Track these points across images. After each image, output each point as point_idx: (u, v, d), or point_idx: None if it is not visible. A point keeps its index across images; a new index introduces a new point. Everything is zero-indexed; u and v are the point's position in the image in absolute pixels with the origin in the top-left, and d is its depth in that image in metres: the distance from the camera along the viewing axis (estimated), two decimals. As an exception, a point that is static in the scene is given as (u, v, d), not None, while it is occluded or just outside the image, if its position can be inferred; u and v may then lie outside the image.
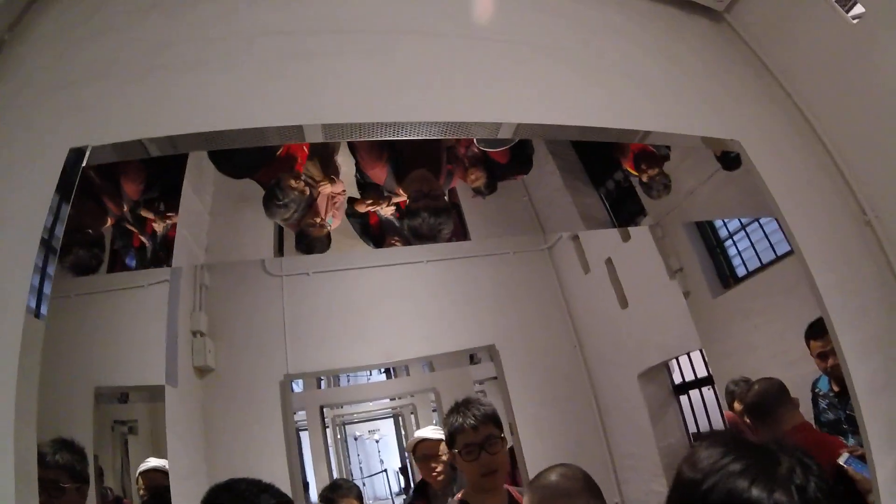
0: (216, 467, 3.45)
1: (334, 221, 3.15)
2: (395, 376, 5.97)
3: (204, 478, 3.44)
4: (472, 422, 1.93)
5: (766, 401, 2.83)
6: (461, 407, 1.99)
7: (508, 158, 3.58)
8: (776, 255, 3.65)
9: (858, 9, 2.52)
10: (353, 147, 2.86)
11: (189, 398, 3.50)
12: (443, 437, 2.95)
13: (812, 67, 2.75)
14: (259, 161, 2.55)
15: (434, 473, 2.91)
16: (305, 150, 2.88)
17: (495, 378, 5.96)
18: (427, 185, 2.66)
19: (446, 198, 2.82)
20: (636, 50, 2.74)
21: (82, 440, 3.15)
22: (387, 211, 3.08)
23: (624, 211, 3.76)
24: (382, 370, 7.77)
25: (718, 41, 3.05)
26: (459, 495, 1.91)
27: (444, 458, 2.91)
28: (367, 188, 3.01)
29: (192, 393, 3.58)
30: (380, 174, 2.87)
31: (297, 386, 4.61)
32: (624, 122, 2.36)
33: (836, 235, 2.63)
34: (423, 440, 3.08)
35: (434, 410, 6.60)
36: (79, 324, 3.46)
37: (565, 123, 2.24)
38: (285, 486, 3.61)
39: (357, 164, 2.96)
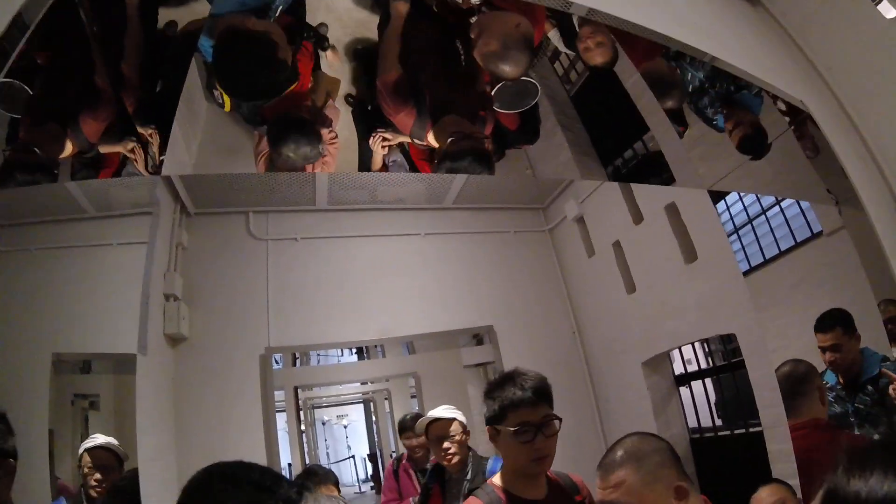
0: (187, 448, 3.14)
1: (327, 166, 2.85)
2: (369, 357, 5.71)
3: (173, 459, 3.12)
4: (531, 396, 1.67)
5: (786, 386, 2.66)
6: (516, 377, 1.71)
7: (517, 126, 3.32)
8: (779, 249, 3.50)
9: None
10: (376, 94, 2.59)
11: (159, 370, 3.17)
12: (455, 416, 2.72)
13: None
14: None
15: (447, 455, 2.68)
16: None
17: (485, 364, 5.74)
18: (468, 126, 2.40)
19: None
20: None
21: (36, 414, 2.82)
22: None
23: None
24: (354, 351, 7.47)
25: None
26: (497, 481, 1.65)
27: (458, 438, 2.67)
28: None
29: (163, 364, 3.25)
30: (406, 120, 2.59)
31: (277, 364, 4.31)
32: (695, 41, 2.19)
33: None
34: (436, 420, 3.01)
35: (413, 397, 6.34)
36: (39, 281, 3.10)
37: (638, 23, 2.05)
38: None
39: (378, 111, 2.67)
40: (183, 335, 3.33)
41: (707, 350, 4.02)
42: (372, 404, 8.92)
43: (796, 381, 2.70)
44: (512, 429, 1.64)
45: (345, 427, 7.40)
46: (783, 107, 3.29)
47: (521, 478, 1.67)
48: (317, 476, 2.59)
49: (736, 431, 3.68)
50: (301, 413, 6.84)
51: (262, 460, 3.21)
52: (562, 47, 3.22)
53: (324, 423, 9.35)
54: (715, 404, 4.01)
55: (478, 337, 6.34)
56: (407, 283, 3.90)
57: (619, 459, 1.31)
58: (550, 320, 4.20)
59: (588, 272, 4.11)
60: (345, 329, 3.66)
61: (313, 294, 3.67)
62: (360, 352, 7.38)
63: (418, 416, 3.56)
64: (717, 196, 3.41)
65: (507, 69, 2.34)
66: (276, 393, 4.87)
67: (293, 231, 3.78)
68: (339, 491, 2.53)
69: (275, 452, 3.28)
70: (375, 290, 3.80)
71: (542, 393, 1.66)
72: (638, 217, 3.66)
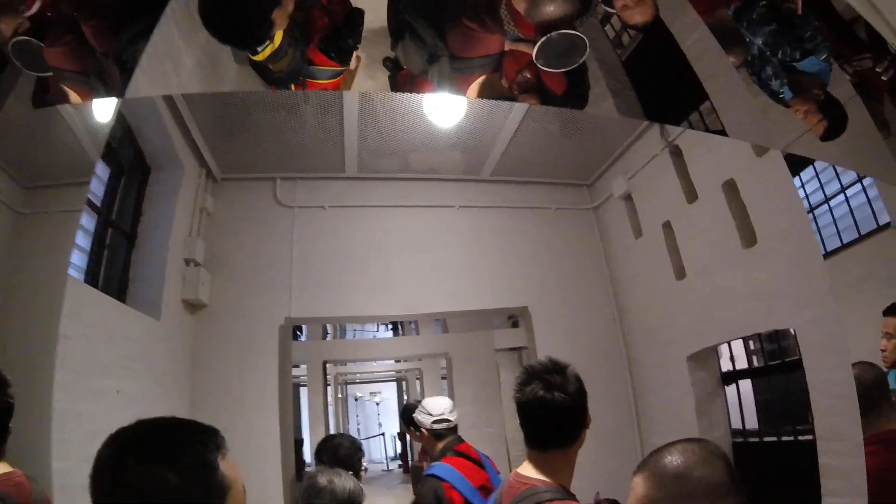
0: (201, 416, 3.03)
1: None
2: (403, 333, 5.54)
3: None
4: None
5: (864, 392, 2.32)
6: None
7: (564, 90, 3.03)
8: (841, 242, 3.11)
9: None
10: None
11: (175, 335, 3.06)
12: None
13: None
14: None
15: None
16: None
17: (519, 349, 5.50)
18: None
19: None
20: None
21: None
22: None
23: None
24: (389, 327, 7.35)
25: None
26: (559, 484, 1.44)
27: None
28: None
29: (180, 329, 3.14)
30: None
31: (302, 336, 4.20)
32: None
33: None
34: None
35: (444, 378, 6.17)
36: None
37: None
38: (274, 443, 3.21)
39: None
40: (202, 301, 3.22)
41: (749, 348, 3.69)
42: (404, 383, 8.86)
43: (866, 388, 2.34)
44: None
45: (377, 404, 7.30)
46: (852, 76, 2.89)
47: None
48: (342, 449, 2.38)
49: (783, 438, 3.35)
50: (329, 388, 6.79)
51: (275, 432, 3.10)
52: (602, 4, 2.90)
53: (356, 400, 9.31)
54: (757, 407, 3.70)
55: (513, 319, 6.10)
56: (438, 258, 3.68)
57: (660, 469, 1.06)
58: (590, 305, 3.92)
59: (634, 255, 3.81)
60: (371, 303, 3.48)
61: (339, 265, 3.50)
62: (394, 328, 7.27)
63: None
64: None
65: (551, 8, 2.06)
66: (302, 366, 4.80)
67: (321, 199, 3.62)
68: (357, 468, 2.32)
69: (288, 426, 3.14)
70: (405, 263, 3.60)
71: None
72: (692, 195, 3.33)
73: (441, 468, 2.54)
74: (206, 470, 0.88)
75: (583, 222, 4.15)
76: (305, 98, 3.13)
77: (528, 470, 1.47)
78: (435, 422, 2.78)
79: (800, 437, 3.17)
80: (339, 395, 8.74)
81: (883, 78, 2.82)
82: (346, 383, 8.77)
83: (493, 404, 5.10)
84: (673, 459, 1.06)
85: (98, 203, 2.87)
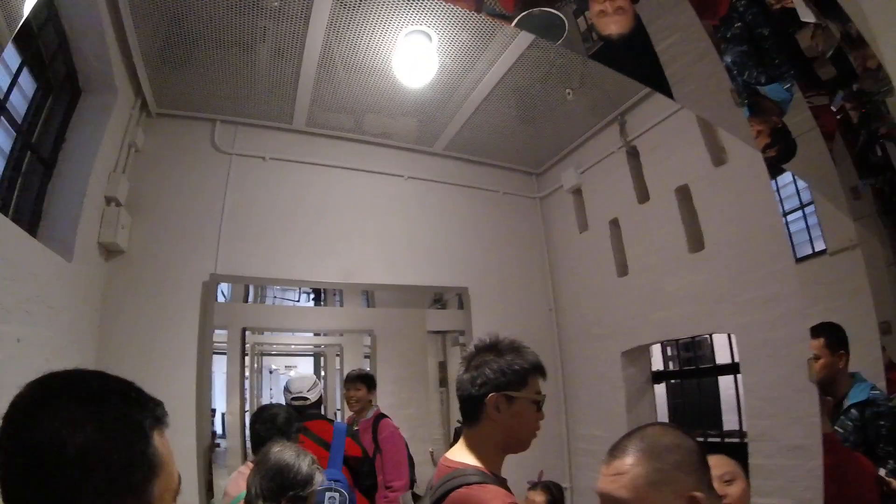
0: (108, 370, 2.71)
1: None
2: (325, 304, 5.33)
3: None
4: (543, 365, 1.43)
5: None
6: (522, 345, 1.43)
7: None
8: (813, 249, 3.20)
9: None
10: None
11: (86, 280, 2.72)
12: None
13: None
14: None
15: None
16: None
17: (446, 333, 5.39)
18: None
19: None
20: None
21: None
22: None
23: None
24: (312, 297, 7.05)
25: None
26: (472, 461, 1.33)
27: None
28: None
29: (93, 274, 2.80)
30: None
31: (223, 297, 3.90)
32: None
33: None
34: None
35: (367, 357, 5.98)
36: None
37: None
38: (189, 409, 2.94)
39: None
40: (120, 246, 2.88)
41: (667, 354, 3.79)
42: (322, 358, 8.60)
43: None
44: (532, 396, 1.33)
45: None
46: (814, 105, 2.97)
47: (501, 454, 1.39)
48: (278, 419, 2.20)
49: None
50: (246, 358, 6.44)
51: (190, 400, 2.84)
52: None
53: (271, 372, 8.95)
54: (669, 409, 3.82)
55: (441, 301, 6.00)
56: (380, 228, 3.51)
57: (631, 448, 1.01)
58: (529, 293, 3.89)
59: (577, 248, 3.80)
60: (303, 266, 3.26)
61: (274, 222, 3.25)
62: (316, 298, 6.99)
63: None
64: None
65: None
66: (220, 332, 4.50)
67: (262, 149, 3.34)
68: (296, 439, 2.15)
69: (205, 392, 2.89)
70: (344, 228, 3.40)
71: None
72: (644, 196, 3.34)
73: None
74: (134, 433, 0.73)
75: (529, 210, 4.10)
76: (263, 36, 2.85)
77: (455, 452, 1.39)
78: (293, 398, 2.81)
79: (709, 440, 3.29)
80: (255, 366, 8.36)
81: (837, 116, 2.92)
82: (262, 354, 8.41)
83: (416, 385, 5.00)
84: (641, 437, 1.02)
85: (19, 120, 2.47)
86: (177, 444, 2.17)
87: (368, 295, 5.43)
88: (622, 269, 3.45)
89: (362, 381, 3.06)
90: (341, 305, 5.82)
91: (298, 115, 3.32)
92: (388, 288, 3.58)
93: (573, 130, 3.70)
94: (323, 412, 3.03)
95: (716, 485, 1.53)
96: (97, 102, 2.85)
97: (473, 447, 1.35)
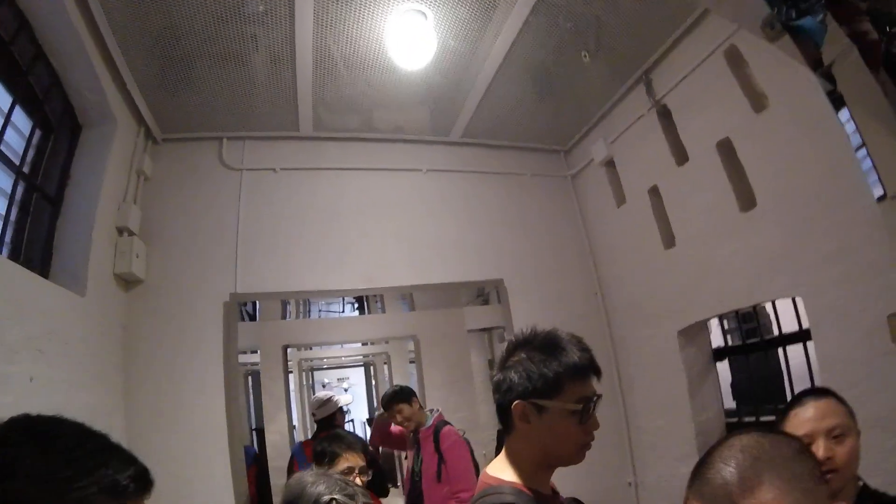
0: (138, 406, 2.65)
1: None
2: (369, 311, 5.21)
3: (121, 419, 2.63)
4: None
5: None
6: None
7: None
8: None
9: None
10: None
11: (102, 313, 2.65)
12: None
13: None
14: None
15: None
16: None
17: (491, 329, 5.18)
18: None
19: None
20: None
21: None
22: None
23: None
24: (356, 306, 7.01)
25: None
26: (511, 477, 1.12)
27: None
28: None
29: (109, 306, 2.73)
30: None
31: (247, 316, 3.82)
32: None
33: None
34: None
35: (412, 362, 5.84)
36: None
37: None
38: (221, 433, 2.84)
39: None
40: (137, 276, 2.81)
41: (724, 328, 3.47)
42: (372, 367, 8.53)
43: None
44: (568, 406, 1.11)
45: (345, 390, 7.00)
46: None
47: (543, 468, 1.16)
48: (344, 441, 2.10)
49: (762, 418, 3.13)
50: (293, 375, 6.40)
51: (220, 423, 2.73)
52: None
53: (324, 386, 9.00)
54: (732, 385, 3.49)
55: (484, 296, 5.78)
56: (404, 226, 3.34)
57: (756, 476, 0.69)
58: (570, 278, 3.63)
59: (617, 223, 3.52)
60: (323, 275, 3.11)
61: (290, 233, 3.13)
62: (360, 307, 6.92)
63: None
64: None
65: None
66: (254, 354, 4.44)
67: (272, 161, 3.22)
68: (366, 458, 2.04)
69: (236, 415, 2.77)
70: (366, 232, 3.25)
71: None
72: (682, 157, 3.05)
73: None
74: (110, 488, 0.68)
75: (560, 190, 3.85)
76: (255, 45, 2.73)
77: (494, 465, 1.19)
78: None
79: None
80: (304, 383, 8.38)
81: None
82: (312, 369, 8.41)
83: (463, 387, 4.81)
84: (772, 447, 0.72)
85: (17, 161, 2.43)
86: (211, 470, 2.07)
87: (408, 299, 5.30)
88: (668, 241, 3.16)
89: (399, 400, 2.92)
90: (383, 312, 5.71)
91: (304, 121, 3.18)
92: (416, 289, 3.39)
93: (596, 99, 3.43)
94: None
95: (821, 442, 1.23)
96: (98, 135, 2.81)
97: (511, 459, 1.16)
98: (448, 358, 4.74)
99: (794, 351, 3.03)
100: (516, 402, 1.11)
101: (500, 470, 1.15)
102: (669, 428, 3.14)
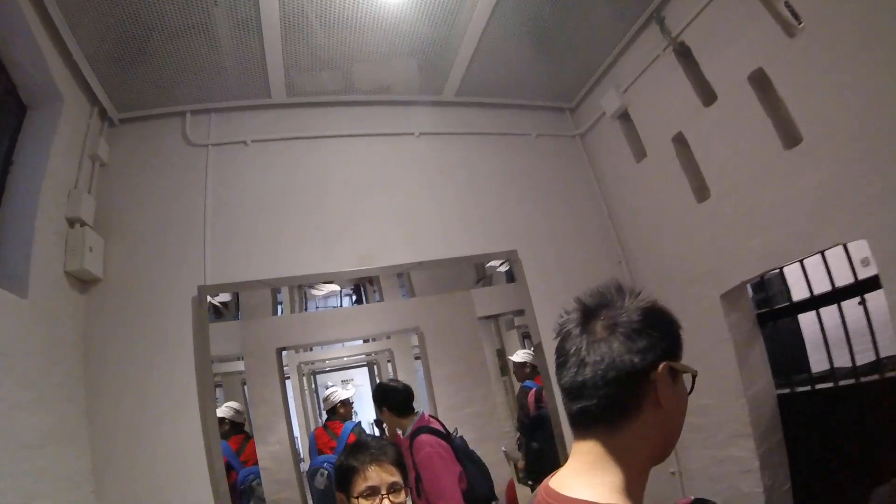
0: (104, 426, 2.25)
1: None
2: (366, 301, 4.82)
3: (83, 443, 2.23)
4: None
5: None
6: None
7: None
8: None
9: None
10: None
11: (54, 318, 2.25)
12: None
13: None
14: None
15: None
16: None
17: (500, 316, 4.77)
18: None
19: None
20: None
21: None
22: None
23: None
24: (354, 299, 6.59)
25: None
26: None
27: None
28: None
29: (62, 311, 2.33)
30: None
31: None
32: None
33: None
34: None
35: (417, 358, 5.43)
36: None
37: None
38: (196, 448, 2.43)
39: None
40: (91, 273, 2.41)
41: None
42: (376, 367, 8.13)
43: None
44: (689, 369, 0.87)
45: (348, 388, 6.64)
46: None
47: (647, 473, 0.83)
48: (364, 452, 1.67)
49: (797, 389, 2.76)
50: (289, 380, 5.98)
51: (195, 437, 2.33)
52: None
53: (327, 388, 8.60)
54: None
55: (486, 279, 5.35)
56: (398, 197, 2.93)
57: None
58: (590, 247, 3.24)
59: (638, 180, 3.12)
60: (315, 258, 2.71)
61: (270, 213, 2.72)
62: (358, 298, 6.46)
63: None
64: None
65: None
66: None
67: (241, 133, 2.82)
68: (401, 470, 1.61)
69: (212, 426, 2.37)
70: (356, 206, 2.84)
71: None
72: (708, 96, 2.66)
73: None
74: None
75: (569, 151, 3.45)
76: (214, 1, 2.34)
77: (571, 479, 0.82)
78: None
79: (797, 389, 2.77)
80: (306, 387, 7.98)
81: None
82: (314, 373, 8.01)
83: (476, 379, 4.41)
84: None
85: None
86: (189, 488, 1.66)
87: (406, 284, 4.87)
88: (701, 193, 2.77)
89: (374, 403, 2.75)
90: (381, 299, 5.29)
91: (275, 85, 2.78)
92: (417, 267, 2.98)
93: (603, 44, 3.05)
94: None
95: None
96: (44, 116, 2.44)
97: (610, 467, 0.80)
98: (456, 348, 4.34)
99: (806, 320, 2.81)
100: (662, 364, 0.81)
101: (585, 485, 0.78)
102: (717, 406, 2.74)
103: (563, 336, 0.87)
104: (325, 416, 3.80)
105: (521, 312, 4.82)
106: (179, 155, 2.77)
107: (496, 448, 4.04)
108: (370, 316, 4.45)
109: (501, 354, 5.11)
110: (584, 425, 0.82)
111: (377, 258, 2.76)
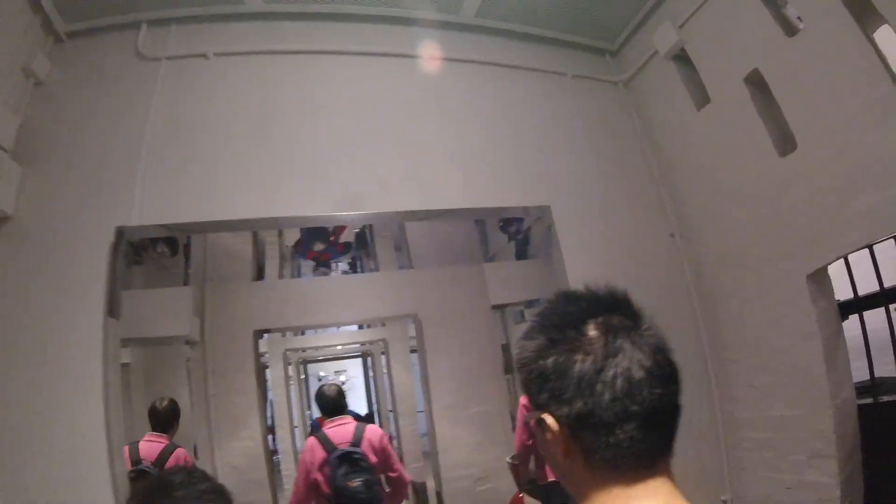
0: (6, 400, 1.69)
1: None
2: (362, 270, 4.24)
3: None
4: None
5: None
6: None
7: None
8: None
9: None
10: None
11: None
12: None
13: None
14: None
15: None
16: None
17: (506, 307, 4.13)
18: None
19: None
20: None
21: None
22: None
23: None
24: (347, 265, 6.08)
25: None
26: None
27: None
28: None
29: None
30: None
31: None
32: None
33: None
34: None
35: (413, 351, 4.84)
36: None
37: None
38: (98, 439, 1.78)
39: None
40: (2, 210, 1.84)
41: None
42: (370, 359, 7.56)
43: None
44: None
45: (342, 384, 6.30)
46: None
47: None
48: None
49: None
50: (269, 369, 5.41)
51: (97, 426, 1.73)
52: None
53: (319, 380, 8.11)
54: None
55: (490, 256, 4.69)
56: (401, 132, 2.29)
57: None
58: (634, 215, 2.62)
59: (700, 132, 2.51)
60: (289, 197, 2.08)
61: (229, 141, 2.11)
62: (352, 267, 5.84)
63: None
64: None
65: None
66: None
67: (203, 45, 2.22)
68: None
69: (115, 414, 1.76)
70: (347, 138, 2.22)
71: None
72: (790, 26, 2.06)
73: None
74: None
75: (611, 100, 2.85)
76: None
77: None
78: None
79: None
80: (299, 376, 7.43)
81: None
82: (306, 361, 7.46)
83: (480, 375, 3.82)
84: None
85: None
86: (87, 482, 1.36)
87: (404, 255, 4.27)
88: (785, 144, 2.17)
89: None
90: (376, 269, 4.71)
91: (250, -13, 2.19)
92: (418, 217, 2.35)
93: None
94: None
95: None
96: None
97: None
98: (459, 338, 3.75)
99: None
100: None
101: None
102: (796, 418, 2.14)
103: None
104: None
105: (531, 304, 4.25)
106: (127, 71, 2.20)
107: (502, 454, 3.46)
108: (364, 289, 3.87)
109: (506, 350, 4.50)
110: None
111: (370, 201, 2.13)
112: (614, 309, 0.66)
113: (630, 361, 0.62)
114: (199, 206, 1.96)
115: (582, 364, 0.62)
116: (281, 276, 4.19)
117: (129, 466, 2.26)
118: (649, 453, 0.63)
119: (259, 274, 3.90)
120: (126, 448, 2.29)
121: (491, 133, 2.42)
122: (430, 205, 2.18)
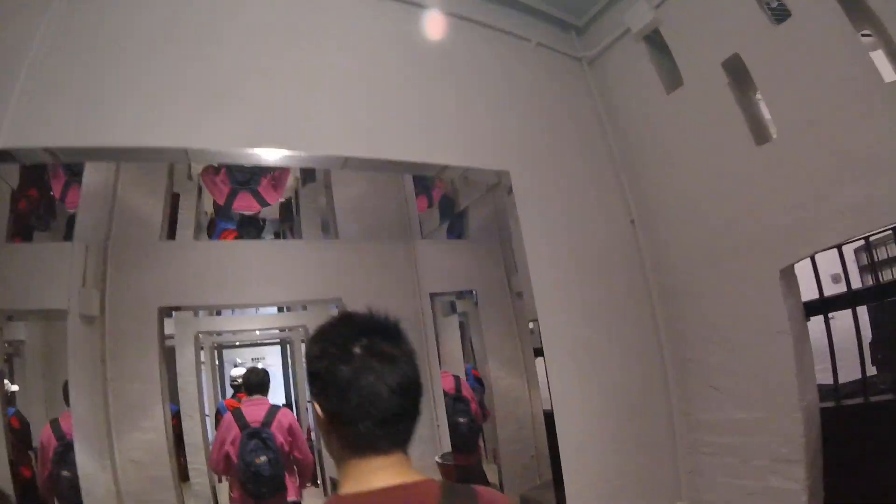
0: None
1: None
2: (286, 237, 3.82)
3: None
4: None
5: None
6: None
7: None
8: None
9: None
10: None
11: None
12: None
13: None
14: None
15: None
16: None
17: (445, 296, 3.81)
18: None
19: None
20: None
21: None
22: None
23: None
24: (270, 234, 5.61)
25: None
26: None
27: None
28: None
29: None
30: None
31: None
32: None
33: None
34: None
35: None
36: None
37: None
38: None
39: None
40: None
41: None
42: (289, 346, 7.11)
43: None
44: None
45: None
46: None
47: None
48: None
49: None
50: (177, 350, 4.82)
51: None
52: None
53: (235, 366, 7.61)
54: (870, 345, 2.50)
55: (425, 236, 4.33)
56: (340, 64, 1.93)
57: None
58: (598, 197, 2.41)
59: (668, 117, 2.34)
60: (178, 124, 1.63)
61: (128, 56, 1.67)
62: (276, 234, 5.37)
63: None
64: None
65: None
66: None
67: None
68: None
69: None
70: (274, 62, 1.80)
71: None
72: (781, 11, 1.94)
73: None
74: None
75: (572, 77, 2.65)
76: None
77: None
78: None
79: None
80: (212, 361, 6.91)
81: None
82: (221, 346, 6.84)
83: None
84: None
85: None
86: None
87: (331, 229, 3.86)
88: (761, 133, 2.03)
89: None
90: (300, 237, 4.28)
91: None
92: (357, 165, 1.94)
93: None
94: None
95: None
96: None
97: None
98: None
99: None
100: None
101: None
102: (762, 421, 2.01)
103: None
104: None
105: (463, 294, 3.96)
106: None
107: (429, 463, 3.17)
108: (288, 264, 3.44)
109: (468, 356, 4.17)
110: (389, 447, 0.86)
111: (295, 137, 1.74)
112: (381, 333, 0.85)
113: (377, 377, 0.81)
114: (80, 129, 1.52)
115: (342, 374, 0.81)
116: (196, 236, 3.71)
117: (237, 432, 2.87)
118: (385, 443, 0.82)
119: (171, 233, 3.40)
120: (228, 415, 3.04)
121: (439, 80, 2.10)
122: (363, 152, 1.82)
